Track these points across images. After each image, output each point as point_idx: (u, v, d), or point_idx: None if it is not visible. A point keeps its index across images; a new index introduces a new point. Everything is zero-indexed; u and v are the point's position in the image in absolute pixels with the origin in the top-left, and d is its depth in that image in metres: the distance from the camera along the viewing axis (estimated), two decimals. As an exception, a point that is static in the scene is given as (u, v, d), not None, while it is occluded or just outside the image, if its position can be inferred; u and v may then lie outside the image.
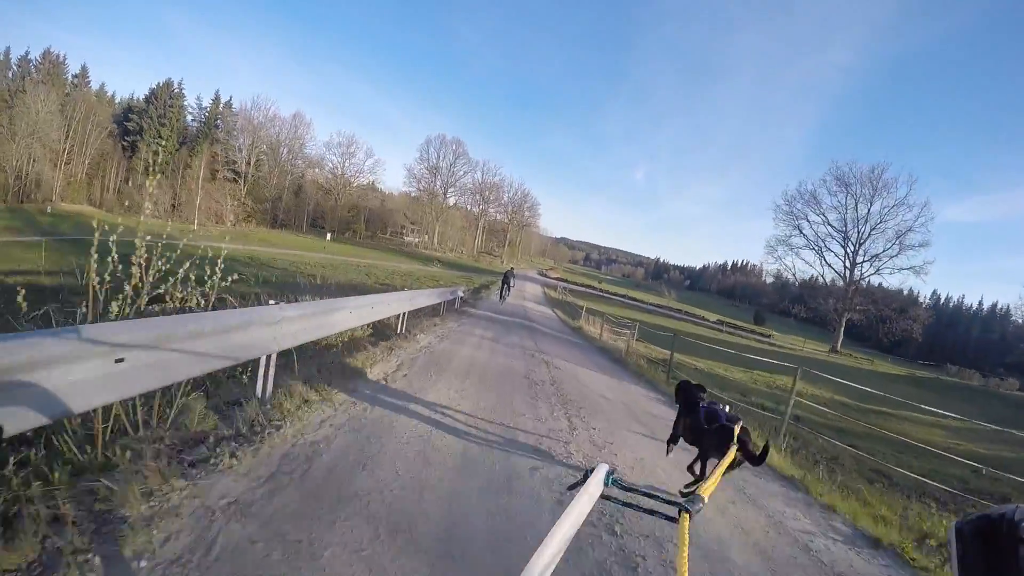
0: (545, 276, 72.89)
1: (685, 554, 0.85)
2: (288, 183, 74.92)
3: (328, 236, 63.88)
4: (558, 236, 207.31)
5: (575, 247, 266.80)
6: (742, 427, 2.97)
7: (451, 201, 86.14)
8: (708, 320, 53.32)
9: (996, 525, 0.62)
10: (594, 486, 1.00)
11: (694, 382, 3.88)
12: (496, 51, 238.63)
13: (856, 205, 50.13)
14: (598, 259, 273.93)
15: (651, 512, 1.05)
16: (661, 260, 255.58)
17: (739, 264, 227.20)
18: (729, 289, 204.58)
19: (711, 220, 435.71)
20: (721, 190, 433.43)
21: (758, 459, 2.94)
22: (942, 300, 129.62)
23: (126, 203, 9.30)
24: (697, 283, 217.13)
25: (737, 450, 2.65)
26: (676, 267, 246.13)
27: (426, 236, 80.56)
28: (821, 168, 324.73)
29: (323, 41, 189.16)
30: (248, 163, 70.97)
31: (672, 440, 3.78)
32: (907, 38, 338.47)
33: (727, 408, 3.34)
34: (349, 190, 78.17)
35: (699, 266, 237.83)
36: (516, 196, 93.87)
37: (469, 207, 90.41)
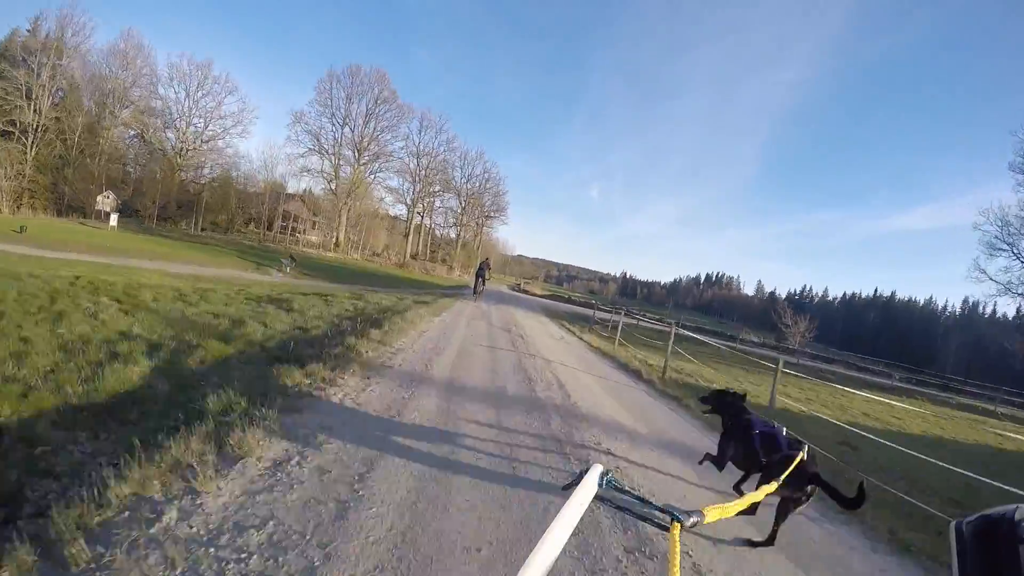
0: (529, 293, 44.68)
1: (676, 565, 0.83)
2: (107, 143, 43.91)
3: (113, 221, 33.36)
4: (515, 254, 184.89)
5: (533, 264, 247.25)
6: (808, 455, 2.61)
7: (365, 170, 54.09)
8: (876, 370, 27.05)
9: (996, 525, 0.60)
10: (588, 487, 0.97)
11: (733, 389, 3.36)
12: (451, 73, 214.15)
13: None
14: (558, 276, 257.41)
15: (644, 519, 1.07)
16: (628, 275, 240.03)
17: (714, 277, 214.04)
18: (707, 304, 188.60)
19: (672, 235, 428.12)
20: (678, 206, 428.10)
21: (852, 502, 2.47)
22: None
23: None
24: (667, 299, 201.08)
25: (810, 485, 2.57)
26: (643, 283, 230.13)
27: (334, 233, 50.36)
28: (775, 184, 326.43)
29: (277, 65, 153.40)
30: (37, 111, 39.76)
31: (716, 463, 3.17)
32: (855, 54, 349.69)
33: (784, 430, 2.89)
34: (197, 151, 46.92)
35: (662, 281, 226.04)
36: (474, 174, 62.76)
37: (400, 185, 59.15)
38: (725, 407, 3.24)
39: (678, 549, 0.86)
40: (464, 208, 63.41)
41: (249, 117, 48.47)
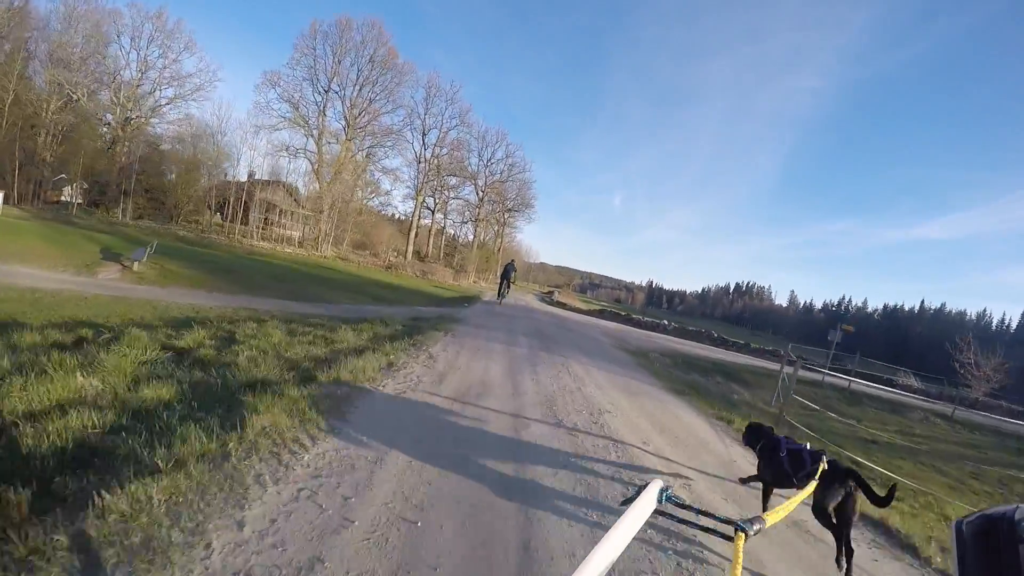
0: (567, 307, 33.66)
1: (738, 573, 0.85)
2: (49, 116, 35.05)
3: (-3, 203, 23.68)
4: (537, 260, 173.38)
5: (557, 271, 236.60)
6: (829, 463, 2.77)
7: (356, 147, 41.99)
8: None
9: (996, 525, 0.60)
10: (646, 502, 0.96)
11: (765, 424, 3.62)
12: (468, 76, 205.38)
13: None
14: (582, 284, 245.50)
15: (706, 530, 1.05)
16: (655, 284, 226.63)
17: (744, 286, 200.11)
18: (737, 315, 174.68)
19: (696, 243, 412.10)
20: (701, 213, 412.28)
21: (883, 500, 2.65)
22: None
23: None
24: (697, 309, 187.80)
25: (850, 481, 2.74)
26: (670, 291, 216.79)
27: (301, 225, 39.96)
28: (796, 192, 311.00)
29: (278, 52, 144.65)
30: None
31: (759, 483, 3.48)
32: (875, 62, 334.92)
33: (807, 444, 3.10)
34: (144, 123, 37.23)
35: (688, 289, 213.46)
36: (495, 158, 50.10)
37: (410, 176, 47.13)
38: (758, 436, 3.43)
39: (741, 559, 0.87)
40: (482, 200, 51.24)
41: (209, 80, 38.60)
